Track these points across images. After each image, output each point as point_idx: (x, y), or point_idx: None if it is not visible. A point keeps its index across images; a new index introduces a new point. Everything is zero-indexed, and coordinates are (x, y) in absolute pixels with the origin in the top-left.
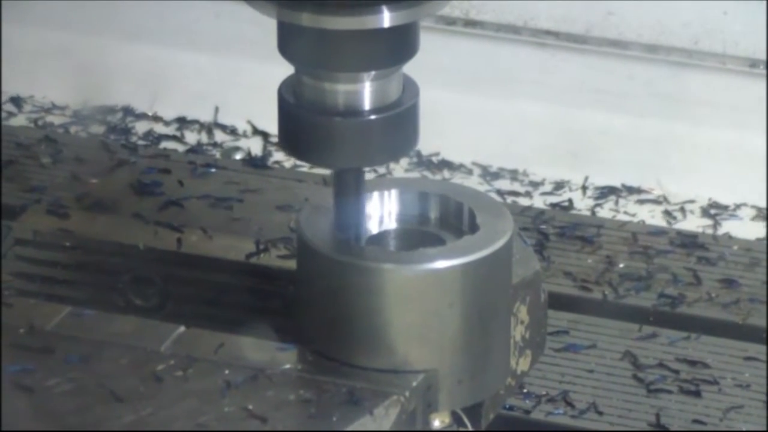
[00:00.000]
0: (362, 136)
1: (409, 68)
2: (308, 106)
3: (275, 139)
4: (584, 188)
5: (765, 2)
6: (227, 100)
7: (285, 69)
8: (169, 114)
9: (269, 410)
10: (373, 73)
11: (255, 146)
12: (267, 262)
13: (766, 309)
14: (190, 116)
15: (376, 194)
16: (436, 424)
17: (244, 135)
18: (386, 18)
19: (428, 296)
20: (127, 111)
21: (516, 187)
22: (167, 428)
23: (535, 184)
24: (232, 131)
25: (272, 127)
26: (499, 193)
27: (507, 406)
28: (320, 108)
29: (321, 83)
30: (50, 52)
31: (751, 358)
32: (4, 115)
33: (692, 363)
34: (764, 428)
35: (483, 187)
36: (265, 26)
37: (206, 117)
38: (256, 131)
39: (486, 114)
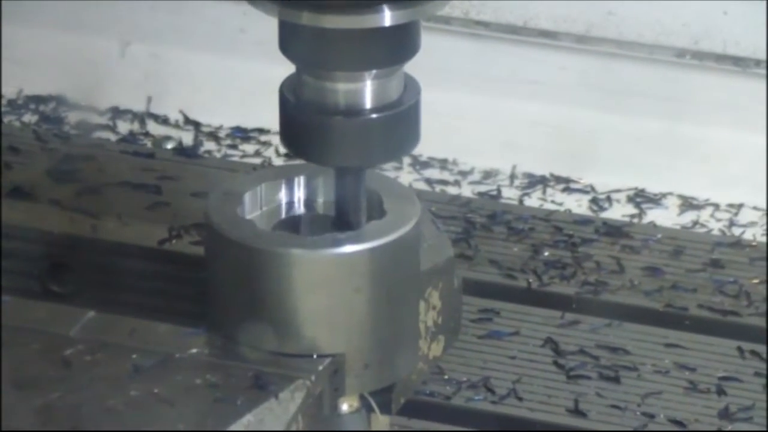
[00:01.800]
0: (363, 135)
1: (408, 68)
2: (309, 105)
3: (207, 129)
4: (512, 177)
5: (765, 2)
6: (161, 91)
7: (217, 58)
8: (103, 104)
9: (176, 394)
10: (374, 72)
11: (186, 136)
12: (179, 248)
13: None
14: (123, 106)
15: (285, 179)
16: (344, 407)
17: (176, 125)
18: (387, 17)
19: (335, 281)
20: (61, 101)
21: (445, 176)
22: (76, 412)
23: (465, 173)
24: (164, 121)
25: (205, 117)
26: (428, 182)
27: (427, 392)
28: (321, 107)
29: (322, 82)
30: None
31: (671, 344)
32: None
33: (613, 349)
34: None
35: (412, 176)
36: (200, 16)
37: (139, 107)
38: (188, 121)
39: (484, 114)
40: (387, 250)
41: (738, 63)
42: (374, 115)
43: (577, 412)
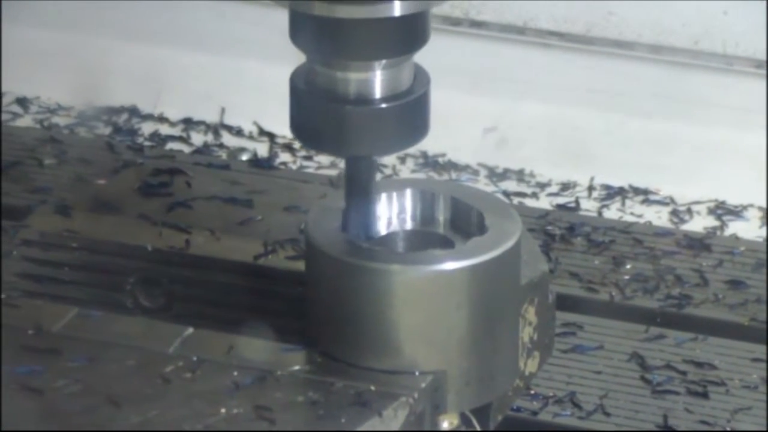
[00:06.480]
0: (373, 125)
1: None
2: (319, 94)
3: (281, 140)
4: (590, 189)
5: (765, 2)
6: (233, 101)
7: (289, 69)
8: (174, 115)
9: (277, 411)
10: (384, 61)
11: (261, 147)
12: (275, 263)
13: (766, 308)
14: (196, 117)
15: (384, 195)
16: (445, 425)
17: (251, 136)
18: (397, 7)
19: (436, 297)
20: (133, 112)
21: (522, 188)
22: (175, 430)
23: (542, 185)
24: (238, 132)
25: (278, 128)
26: (506, 194)
27: (515, 408)
28: (331, 96)
29: (332, 72)
30: (54, 53)
31: (757, 359)
32: (9, 116)
33: (699, 364)
34: (765, 428)
35: (489, 188)
36: (269, 26)
37: (212, 118)
38: (263, 132)
39: (486, 114)
40: (488, 266)
41: (738, 63)
42: (384, 105)
43: (666, 427)
